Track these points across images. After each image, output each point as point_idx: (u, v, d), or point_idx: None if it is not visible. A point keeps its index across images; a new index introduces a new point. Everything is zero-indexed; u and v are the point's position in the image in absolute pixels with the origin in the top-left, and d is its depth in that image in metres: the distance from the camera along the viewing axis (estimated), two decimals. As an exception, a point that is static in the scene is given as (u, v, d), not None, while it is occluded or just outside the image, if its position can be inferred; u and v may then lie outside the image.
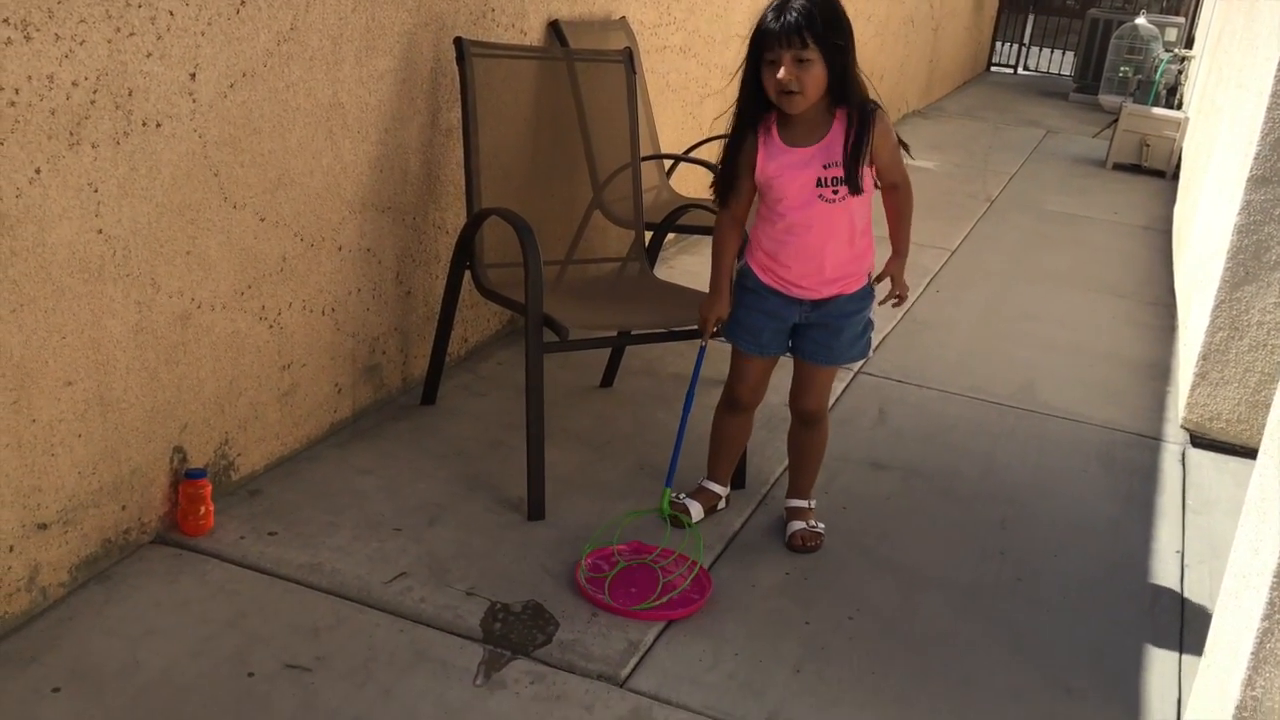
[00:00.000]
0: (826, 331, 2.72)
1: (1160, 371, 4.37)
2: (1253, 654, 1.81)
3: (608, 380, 3.68)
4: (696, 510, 2.92)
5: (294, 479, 2.94)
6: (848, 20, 2.49)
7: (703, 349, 2.77)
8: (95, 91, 2.19)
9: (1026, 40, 14.59)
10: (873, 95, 2.58)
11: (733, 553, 2.84)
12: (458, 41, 3.14)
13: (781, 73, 2.44)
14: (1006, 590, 2.79)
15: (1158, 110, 8.51)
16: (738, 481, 3.10)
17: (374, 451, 3.12)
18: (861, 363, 4.09)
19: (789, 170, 2.56)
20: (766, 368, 2.81)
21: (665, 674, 2.36)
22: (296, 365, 2.96)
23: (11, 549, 2.26)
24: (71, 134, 2.17)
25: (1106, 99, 11.03)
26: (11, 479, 2.22)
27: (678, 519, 2.78)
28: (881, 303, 2.80)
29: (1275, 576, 1.77)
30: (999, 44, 14.13)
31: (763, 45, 2.47)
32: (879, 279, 2.78)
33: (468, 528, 2.80)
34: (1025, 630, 2.64)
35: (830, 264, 2.64)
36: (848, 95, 2.51)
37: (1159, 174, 8.22)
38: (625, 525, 2.80)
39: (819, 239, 2.61)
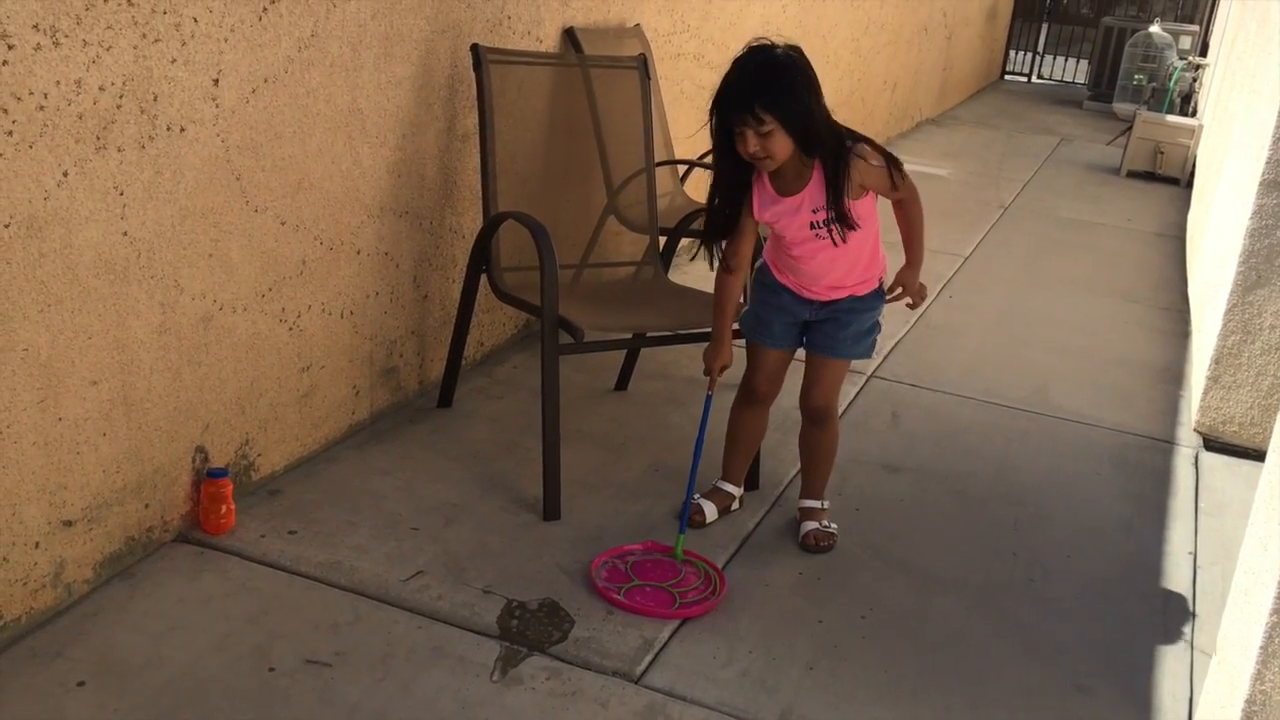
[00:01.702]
0: (835, 324, 2.77)
1: (1173, 375, 4.38)
2: (1261, 649, 1.83)
3: (622, 383, 3.72)
4: (711, 511, 2.95)
5: (313, 479, 2.98)
6: (803, 73, 2.50)
7: (709, 398, 2.80)
8: (121, 96, 2.24)
9: (1040, 49, 14.59)
10: (847, 124, 2.62)
11: (746, 552, 2.87)
12: (474, 48, 3.19)
13: (748, 144, 2.50)
14: (1019, 590, 2.81)
15: (1171, 118, 8.51)
16: (751, 483, 3.12)
17: (391, 453, 3.16)
18: (872, 366, 4.11)
19: (784, 216, 2.64)
20: (781, 359, 2.86)
21: (680, 671, 2.39)
22: (316, 367, 3.00)
23: (38, 545, 2.30)
24: (98, 138, 2.21)
25: (1121, 107, 11.03)
26: (38, 476, 2.26)
27: (694, 566, 2.78)
28: (890, 301, 2.83)
29: (1284, 571, 1.79)
30: (1013, 52, 14.14)
31: (725, 122, 2.52)
32: (892, 288, 2.81)
33: (484, 527, 2.84)
34: (1037, 629, 2.66)
35: (838, 280, 2.73)
36: (819, 145, 2.54)
37: (1173, 181, 8.22)
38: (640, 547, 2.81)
39: (821, 266, 2.70)
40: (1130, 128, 8.61)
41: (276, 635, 2.38)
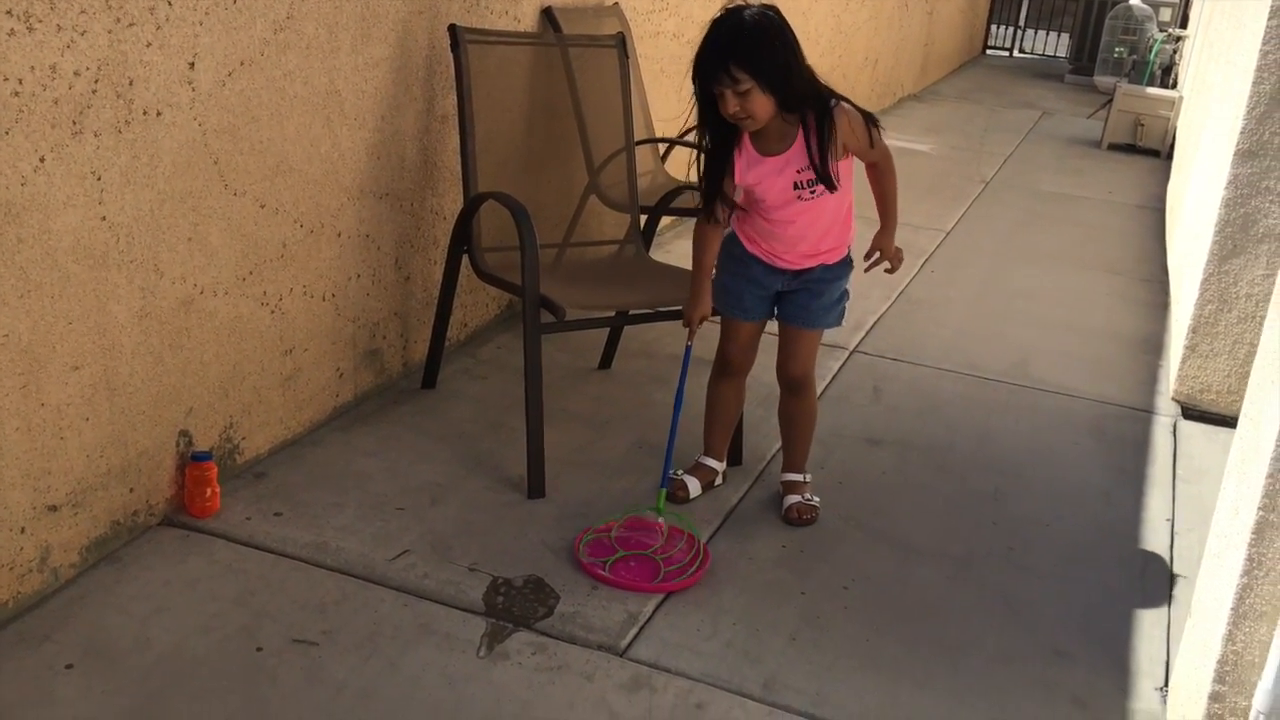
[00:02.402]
0: (806, 294, 2.79)
1: (1153, 346, 4.42)
2: (1233, 609, 1.86)
3: (606, 362, 3.73)
4: (694, 486, 2.97)
5: (298, 462, 2.99)
6: (778, 31, 2.52)
7: (688, 348, 2.82)
8: (97, 81, 2.24)
9: (1022, 23, 14.60)
10: (829, 85, 2.63)
11: (730, 527, 2.89)
12: (452, 29, 3.19)
13: (728, 104, 2.52)
14: (999, 559, 2.84)
15: (1152, 90, 8.55)
16: (734, 458, 3.15)
17: (376, 434, 3.17)
18: (855, 340, 4.14)
19: (767, 178, 2.64)
20: (753, 331, 2.88)
21: (664, 643, 2.42)
22: (299, 350, 3.01)
23: (23, 530, 2.31)
24: (74, 123, 2.21)
25: (1101, 80, 11.06)
26: (21, 462, 2.27)
27: (677, 527, 2.80)
28: (869, 269, 2.85)
29: (1254, 534, 1.82)
30: (994, 27, 14.15)
31: (705, 85, 2.54)
32: (869, 253, 2.83)
33: (469, 506, 2.86)
34: (1017, 597, 2.69)
35: (812, 247, 2.74)
36: (801, 103, 2.55)
37: (1154, 153, 8.26)
38: (621, 523, 2.83)
39: (800, 230, 2.71)
40: (1111, 100, 8.64)
41: (263, 615, 2.39)
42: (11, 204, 2.12)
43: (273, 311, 2.88)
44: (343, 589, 2.50)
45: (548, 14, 3.82)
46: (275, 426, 2.99)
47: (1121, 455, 3.46)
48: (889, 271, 2.88)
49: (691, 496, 2.96)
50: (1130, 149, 8.41)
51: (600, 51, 3.62)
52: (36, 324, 2.23)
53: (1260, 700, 1.84)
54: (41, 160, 2.17)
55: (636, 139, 3.71)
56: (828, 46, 7.29)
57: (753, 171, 2.65)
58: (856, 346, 4.13)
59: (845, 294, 2.87)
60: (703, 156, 2.70)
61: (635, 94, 3.97)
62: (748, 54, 2.48)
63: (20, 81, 2.09)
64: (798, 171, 2.61)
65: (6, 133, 2.08)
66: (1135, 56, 10.51)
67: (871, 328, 4.33)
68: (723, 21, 2.52)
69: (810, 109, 2.58)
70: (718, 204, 2.69)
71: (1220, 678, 1.89)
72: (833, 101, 2.60)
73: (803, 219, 2.68)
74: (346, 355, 3.22)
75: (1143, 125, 8.36)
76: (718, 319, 2.89)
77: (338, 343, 3.17)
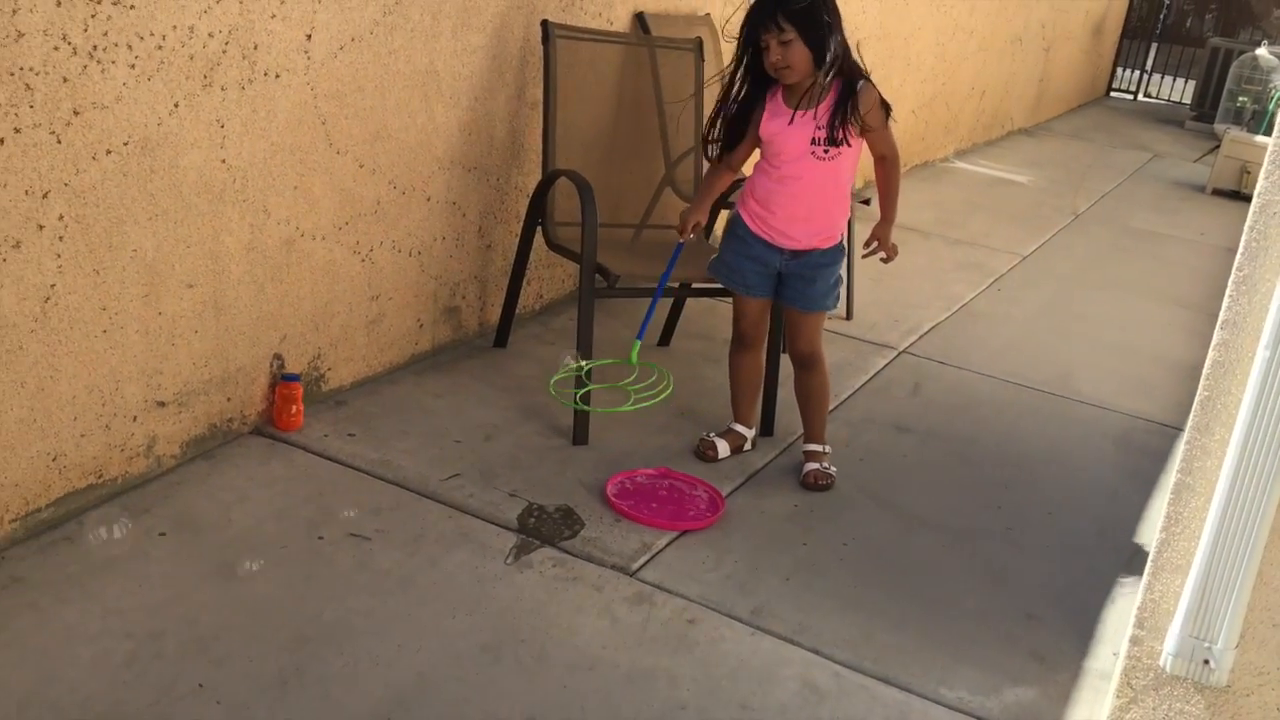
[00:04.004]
0: (802, 281, 3.08)
1: (1199, 373, 4.54)
2: (1153, 561, 2.09)
3: (665, 339, 4.05)
4: (724, 448, 3.27)
5: (374, 396, 3.38)
6: (826, 6, 2.86)
7: (680, 245, 3.10)
8: (227, 43, 2.66)
9: (1149, 67, 14.49)
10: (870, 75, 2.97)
11: (751, 485, 3.18)
12: (544, 24, 3.56)
13: (769, 54, 2.84)
14: (996, 537, 3.07)
15: (1260, 137, 8.53)
16: (766, 429, 3.43)
17: (446, 381, 3.55)
18: (906, 342, 4.37)
19: (787, 129, 2.93)
20: (760, 307, 3.19)
21: (670, 570, 2.72)
22: (384, 298, 3.40)
23: (135, 419, 2.73)
24: (205, 77, 2.63)
25: (1221, 127, 10.98)
26: (139, 360, 2.69)
27: (648, 368, 3.12)
28: (865, 256, 3.12)
29: (1172, 494, 2.05)
30: (1120, 70, 14.09)
31: (752, 34, 2.87)
32: (868, 242, 3.10)
33: (518, 446, 3.20)
34: (1003, 569, 2.92)
35: (814, 214, 3.01)
36: (834, 67, 2.87)
37: (1257, 200, 8.24)
38: (586, 370, 3.13)
39: (807, 190, 2.98)
40: (1218, 145, 8.65)
41: (328, 512, 2.77)
42: (148, 140, 2.54)
43: (363, 260, 3.27)
44: (398, 498, 2.87)
45: (639, 18, 4.17)
46: (358, 363, 3.39)
47: (1139, 463, 3.64)
48: (885, 261, 3.13)
49: (720, 457, 3.26)
50: (1234, 195, 8.40)
51: (680, 54, 3.95)
52: (160, 244, 2.65)
53: (1169, 643, 2.06)
54: (176, 106, 2.58)
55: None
56: (930, 73, 7.50)
57: (776, 121, 2.95)
58: (907, 348, 4.37)
59: (840, 279, 3.14)
60: (732, 105, 3.01)
61: (714, 97, 4.28)
62: (798, 9, 2.81)
63: (163, 37, 2.51)
64: (817, 129, 2.90)
65: (149, 79, 2.50)
66: (1257, 106, 10.44)
67: (926, 333, 4.56)
68: None
69: (841, 77, 2.89)
70: (734, 150, 3.02)
71: (1140, 623, 2.12)
72: (861, 81, 2.90)
73: (808, 176, 2.95)
74: (427, 309, 3.60)
75: (1249, 172, 8.35)
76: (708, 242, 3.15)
77: (420, 296, 3.55)
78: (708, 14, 4.61)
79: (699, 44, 3.96)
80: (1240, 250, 1.95)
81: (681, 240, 3.10)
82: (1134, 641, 2.13)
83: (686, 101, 3.94)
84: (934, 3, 7.27)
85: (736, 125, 3.03)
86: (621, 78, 3.88)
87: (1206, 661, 2.04)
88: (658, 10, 4.29)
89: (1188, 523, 2.04)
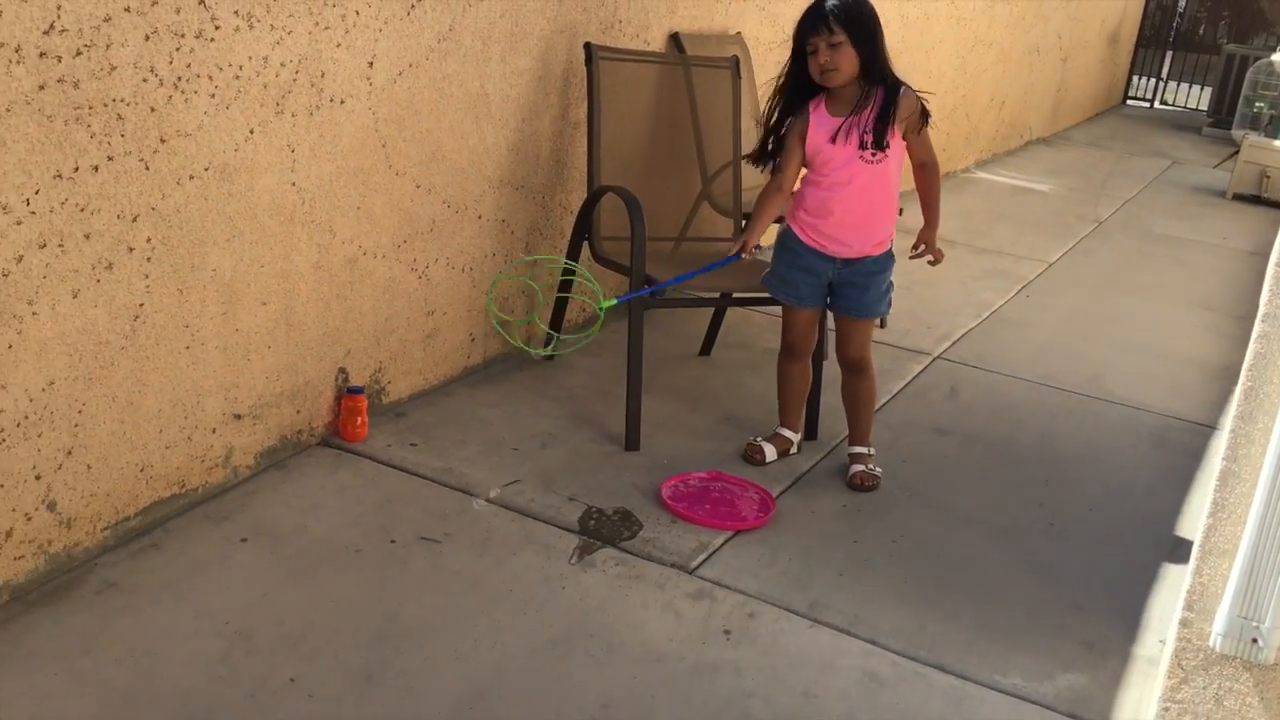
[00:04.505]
0: (855, 289, 3.18)
1: (1232, 374, 4.63)
2: (1200, 546, 2.19)
3: (706, 349, 4.17)
4: (770, 452, 3.38)
5: (432, 407, 3.50)
6: (873, 15, 3.03)
7: (731, 258, 3.22)
8: (297, 72, 2.79)
9: (1164, 75, 14.58)
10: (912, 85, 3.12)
11: (799, 487, 3.29)
12: (587, 46, 3.69)
13: (819, 55, 2.97)
14: (1039, 532, 3.17)
15: (1278, 142, 8.61)
16: (810, 433, 3.54)
17: (499, 392, 3.67)
18: (940, 348, 4.48)
19: (835, 136, 3.06)
20: (810, 319, 3.29)
21: (728, 567, 2.83)
22: (439, 313, 3.53)
23: (214, 431, 2.86)
24: (278, 104, 2.77)
25: (1239, 133, 11.06)
26: (218, 374, 2.82)
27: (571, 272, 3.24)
28: (913, 258, 3.25)
29: (1219, 481, 2.15)
30: (1136, 78, 14.18)
31: (803, 37, 3.01)
32: (915, 245, 3.22)
33: (574, 452, 3.32)
34: (1049, 562, 3.02)
35: (868, 219, 3.11)
36: (879, 75, 3.01)
37: (1278, 205, 8.33)
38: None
39: (858, 195, 3.09)
40: (1237, 151, 8.73)
41: (398, 518, 2.89)
42: (226, 165, 2.68)
43: (420, 277, 3.40)
44: (463, 504, 2.99)
45: (674, 38, 4.30)
46: (415, 376, 3.51)
47: (1175, 460, 3.73)
48: (932, 264, 3.24)
49: (767, 460, 3.37)
50: (1255, 200, 8.48)
51: (716, 72, 4.08)
52: (237, 264, 2.78)
53: (1219, 624, 2.16)
54: (251, 132, 2.72)
55: (743, 154, 4.14)
56: (950, 85, 7.62)
57: (823, 130, 3.08)
58: (941, 354, 4.47)
59: (890, 285, 3.25)
60: (775, 111, 3.15)
61: (749, 113, 4.41)
62: (847, 13, 2.97)
63: (240, 68, 2.64)
64: (864, 133, 3.03)
65: (227, 108, 2.64)
66: (1274, 111, 10.52)
67: (959, 339, 4.66)
68: None
69: (882, 84, 3.02)
70: (784, 170, 3.14)
71: (1189, 605, 2.21)
72: (903, 87, 3.03)
73: (858, 181, 3.06)
74: (479, 323, 3.72)
75: (1268, 177, 8.44)
76: (764, 257, 3.27)
77: (472, 311, 3.68)
78: (739, 33, 4.74)
79: (735, 62, 4.08)
80: (1277, 247, 2.06)
81: (733, 255, 3.20)
82: (1184, 624, 2.22)
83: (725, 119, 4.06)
84: (954, 17, 7.39)
85: (781, 140, 3.14)
86: (659, 96, 4.01)
87: (1255, 640, 2.13)
88: (692, 30, 4.42)
89: (1233, 508, 2.14)
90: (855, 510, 3.19)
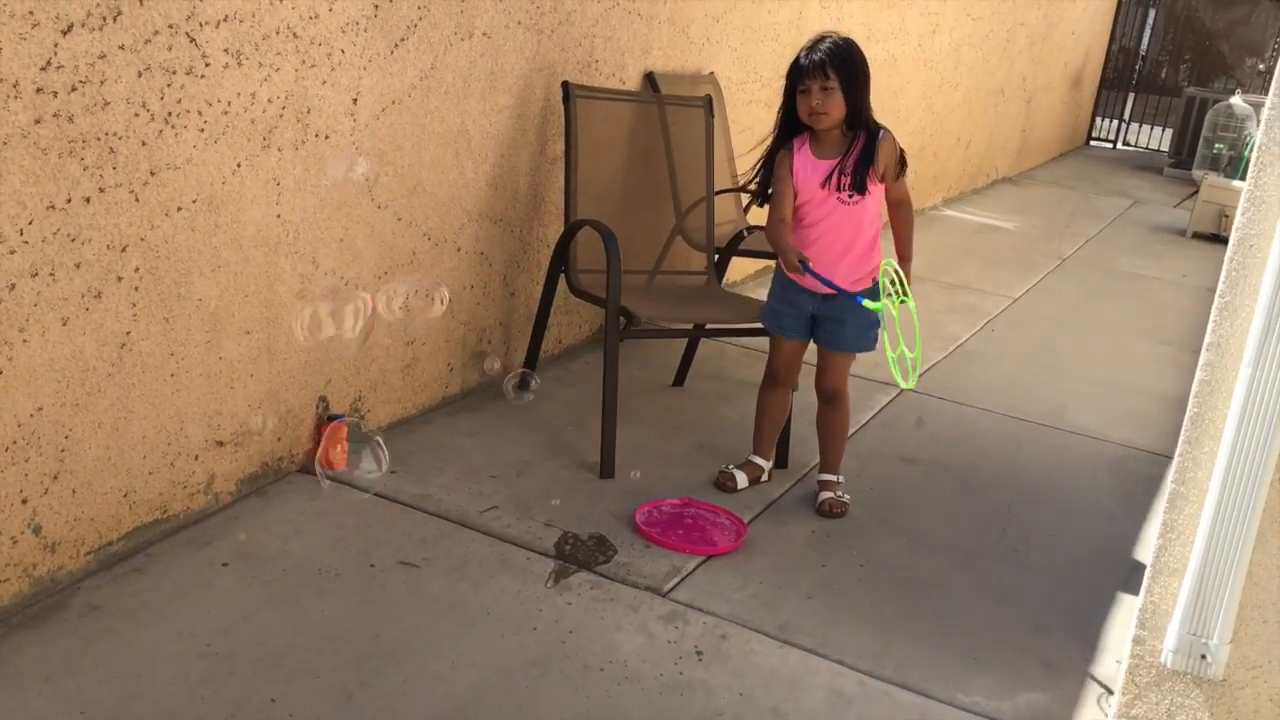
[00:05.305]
0: (834, 323, 3.28)
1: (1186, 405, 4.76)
2: (1151, 566, 2.29)
3: (680, 380, 4.26)
4: (742, 479, 3.46)
5: (411, 435, 3.57)
6: (865, 65, 3.15)
7: (806, 264, 3.16)
8: (284, 108, 2.88)
9: (1127, 116, 14.90)
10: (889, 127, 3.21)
11: (770, 514, 3.37)
12: (565, 85, 3.80)
13: (811, 98, 3.08)
14: (1001, 557, 3.27)
15: (1236, 182, 8.83)
16: (781, 462, 3.63)
17: (476, 420, 3.74)
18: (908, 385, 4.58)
19: (815, 177, 3.16)
20: (794, 349, 3.39)
21: (700, 591, 2.91)
22: (418, 343, 3.60)
23: (196, 458, 2.91)
24: (264, 139, 2.85)
25: (1199, 174, 11.32)
26: (201, 402, 2.88)
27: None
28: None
29: (1168, 503, 2.25)
30: (1100, 119, 14.49)
31: (797, 78, 3.12)
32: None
33: (549, 479, 3.39)
34: (1011, 586, 3.11)
35: (842, 257, 3.21)
36: (862, 121, 3.13)
37: (1236, 243, 8.52)
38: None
39: (836, 235, 3.20)
40: (1196, 191, 8.95)
41: (377, 542, 2.95)
42: (214, 197, 2.75)
43: (400, 307, 3.48)
44: (441, 529, 3.05)
45: (649, 77, 4.42)
46: (394, 405, 3.58)
47: (1134, 489, 3.84)
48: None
49: (739, 488, 3.45)
50: (1214, 238, 8.69)
51: (690, 111, 4.20)
52: (222, 294, 2.85)
53: (1169, 640, 2.25)
54: (238, 165, 2.80)
55: (716, 189, 4.26)
56: (918, 125, 7.79)
57: (805, 170, 3.19)
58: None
59: (876, 321, 3.34)
60: (768, 156, 3.26)
61: (722, 151, 4.53)
62: (843, 61, 3.09)
63: (228, 104, 2.73)
64: (842, 175, 3.15)
65: (215, 142, 2.72)
66: (1233, 152, 10.79)
67: (926, 372, 4.77)
68: (827, 36, 3.14)
69: (864, 130, 3.14)
70: (781, 202, 3.21)
71: (1141, 624, 2.31)
72: (881, 131, 3.15)
73: (833, 219, 3.17)
74: (457, 353, 3.80)
75: (1227, 216, 8.65)
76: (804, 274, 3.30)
77: (450, 342, 3.75)
78: (712, 73, 4.87)
79: (709, 101, 4.20)
80: (1222, 279, 2.17)
81: (803, 264, 3.18)
82: (1136, 641, 2.31)
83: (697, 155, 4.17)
84: (921, 59, 7.58)
85: (771, 176, 3.25)
86: (634, 133, 4.12)
87: (1204, 656, 2.22)
88: (666, 70, 4.54)
89: (1182, 529, 2.24)
90: (824, 536, 3.27)
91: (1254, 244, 2.11)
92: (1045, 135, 11.91)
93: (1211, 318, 2.18)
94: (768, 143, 3.30)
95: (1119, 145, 14.48)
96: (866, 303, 3.05)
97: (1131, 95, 15.19)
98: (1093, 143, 14.43)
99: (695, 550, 3.07)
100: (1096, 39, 13.42)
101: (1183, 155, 12.47)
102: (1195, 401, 2.21)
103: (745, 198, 4.91)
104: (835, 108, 3.10)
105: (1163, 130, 14.67)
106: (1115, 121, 14.70)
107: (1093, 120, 14.33)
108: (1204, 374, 2.20)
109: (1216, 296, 2.17)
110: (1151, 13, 15.78)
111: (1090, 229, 8.67)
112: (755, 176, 3.33)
